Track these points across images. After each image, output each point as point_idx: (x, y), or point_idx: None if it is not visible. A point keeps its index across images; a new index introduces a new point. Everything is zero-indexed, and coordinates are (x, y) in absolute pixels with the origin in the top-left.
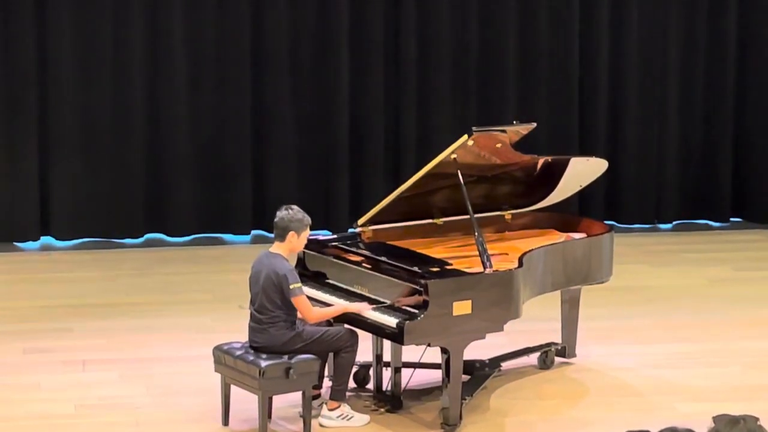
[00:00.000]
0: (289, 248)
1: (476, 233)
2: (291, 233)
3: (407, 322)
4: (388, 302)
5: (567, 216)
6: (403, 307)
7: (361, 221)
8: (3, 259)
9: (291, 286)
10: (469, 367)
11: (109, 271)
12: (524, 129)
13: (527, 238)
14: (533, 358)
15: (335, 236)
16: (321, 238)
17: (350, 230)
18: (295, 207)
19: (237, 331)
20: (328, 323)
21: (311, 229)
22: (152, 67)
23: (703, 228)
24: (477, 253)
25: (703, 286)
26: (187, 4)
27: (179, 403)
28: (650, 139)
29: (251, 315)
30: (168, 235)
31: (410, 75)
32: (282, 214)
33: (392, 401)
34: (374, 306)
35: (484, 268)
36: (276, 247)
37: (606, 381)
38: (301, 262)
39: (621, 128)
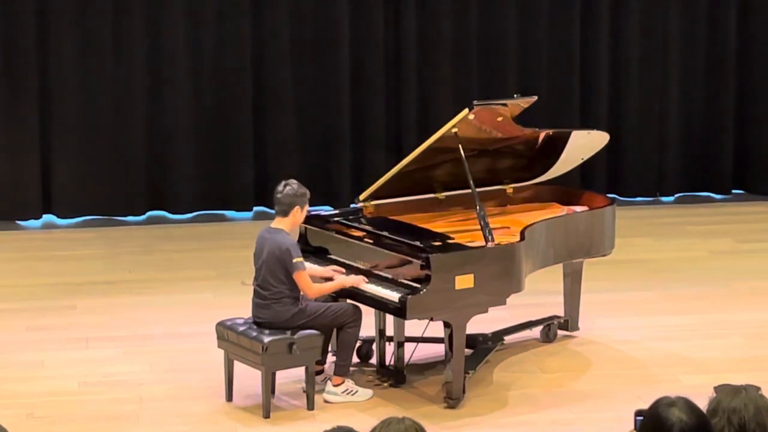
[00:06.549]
0: (291, 223)
1: (478, 207)
2: (296, 208)
3: (410, 296)
4: (388, 276)
5: (569, 189)
6: (404, 281)
7: (362, 196)
8: (5, 237)
9: (294, 260)
10: (472, 341)
11: (111, 248)
12: (525, 102)
13: (529, 211)
14: (536, 332)
15: (337, 211)
16: (323, 213)
17: (352, 205)
18: (294, 182)
19: (240, 307)
20: (332, 299)
21: (311, 204)
22: (154, 45)
23: (705, 200)
24: (479, 227)
25: (705, 258)
26: None
27: (183, 380)
28: (652, 111)
29: (255, 291)
30: (170, 212)
31: (411, 50)
32: (285, 190)
33: (395, 376)
34: (370, 279)
35: (486, 241)
36: (278, 223)
37: (609, 354)
38: (303, 238)
39: (622, 101)
